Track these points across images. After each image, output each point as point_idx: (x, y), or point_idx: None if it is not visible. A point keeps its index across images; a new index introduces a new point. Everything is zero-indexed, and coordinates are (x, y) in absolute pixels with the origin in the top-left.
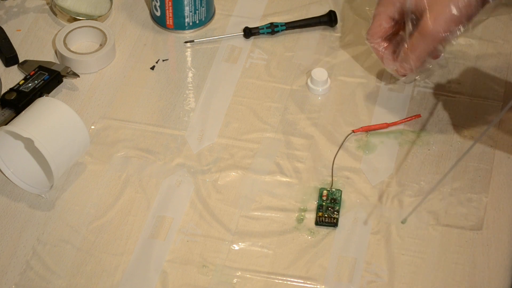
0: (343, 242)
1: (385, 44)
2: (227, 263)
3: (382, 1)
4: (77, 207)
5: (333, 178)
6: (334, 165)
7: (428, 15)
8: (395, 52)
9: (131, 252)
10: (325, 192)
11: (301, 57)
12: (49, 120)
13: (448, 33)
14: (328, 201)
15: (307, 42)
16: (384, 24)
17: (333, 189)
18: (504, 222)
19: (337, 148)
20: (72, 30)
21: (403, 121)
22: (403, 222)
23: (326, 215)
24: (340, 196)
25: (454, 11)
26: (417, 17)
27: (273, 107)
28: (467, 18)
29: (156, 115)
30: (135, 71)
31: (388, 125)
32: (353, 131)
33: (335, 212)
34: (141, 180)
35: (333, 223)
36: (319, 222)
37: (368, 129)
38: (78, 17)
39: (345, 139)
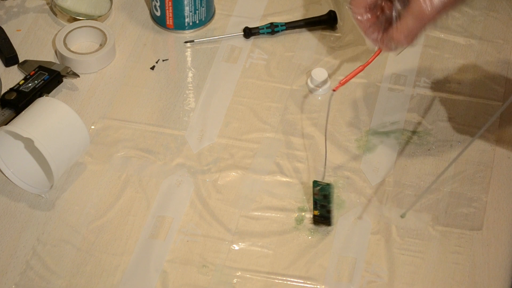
0: (343, 242)
1: (369, 16)
2: (227, 263)
3: None
4: (77, 207)
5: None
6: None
7: None
8: (377, 24)
9: (131, 252)
10: (316, 190)
11: (301, 57)
12: (49, 120)
13: (442, 13)
14: (321, 197)
15: (307, 42)
16: None
17: (324, 184)
18: (504, 222)
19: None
20: (72, 30)
21: (372, 59)
22: (402, 216)
23: (320, 214)
24: (330, 191)
25: None
26: None
27: (273, 107)
28: None
29: (156, 115)
30: (135, 71)
31: (363, 67)
32: (334, 90)
33: (327, 211)
34: (141, 180)
35: (327, 223)
36: (314, 222)
37: (345, 81)
38: (78, 17)
39: (329, 101)
